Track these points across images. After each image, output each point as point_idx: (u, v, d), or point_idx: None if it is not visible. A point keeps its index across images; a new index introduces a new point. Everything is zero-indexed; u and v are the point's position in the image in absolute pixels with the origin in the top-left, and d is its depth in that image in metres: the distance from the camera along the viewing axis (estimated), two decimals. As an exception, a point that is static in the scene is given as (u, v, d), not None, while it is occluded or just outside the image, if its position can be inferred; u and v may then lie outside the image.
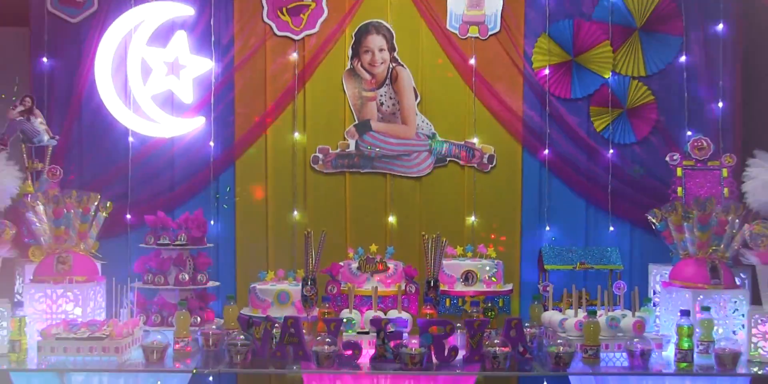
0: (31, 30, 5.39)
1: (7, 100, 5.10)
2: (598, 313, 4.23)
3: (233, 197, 5.43)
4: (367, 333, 4.31)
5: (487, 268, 4.77)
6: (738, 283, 4.57)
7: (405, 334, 4.18)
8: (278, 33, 5.42)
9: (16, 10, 5.44)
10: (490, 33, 5.40)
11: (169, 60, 5.33)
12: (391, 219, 5.42)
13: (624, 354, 4.13)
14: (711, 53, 5.36)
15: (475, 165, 5.43)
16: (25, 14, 5.40)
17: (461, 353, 4.13)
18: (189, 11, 5.36)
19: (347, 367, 4.07)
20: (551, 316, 4.52)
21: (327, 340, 4.06)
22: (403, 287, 4.61)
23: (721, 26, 5.34)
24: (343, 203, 5.44)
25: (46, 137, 5.09)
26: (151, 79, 5.33)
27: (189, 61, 5.34)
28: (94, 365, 4.04)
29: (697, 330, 4.15)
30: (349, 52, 5.43)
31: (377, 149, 5.42)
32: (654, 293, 4.95)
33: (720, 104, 5.33)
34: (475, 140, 5.42)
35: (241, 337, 4.13)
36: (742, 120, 5.38)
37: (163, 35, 5.35)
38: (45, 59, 5.35)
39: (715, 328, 4.23)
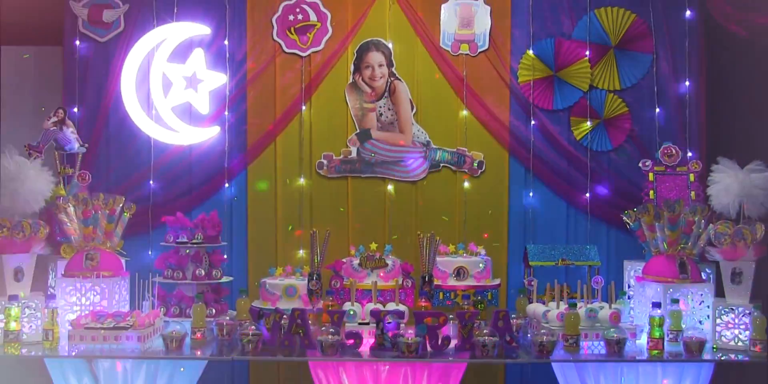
0: (64, 48, 5.39)
1: (45, 113, 5.08)
2: (578, 305, 4.22)
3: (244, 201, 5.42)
4: (367, 324, 4.31)
5: (479, 264, 4.76)
6: (704, 277, 4.57)
7: (402, 325, 4.17)
8: (287, 50, 5.40)
9: (51, 31, 5.47)
10: (479, 50, 5.38)
11: (188, 75, 5.32)
12: (390, 219, 5.39)
13: (602, 342, 4.12)
14: (678, 69, 5.33)
15: (466, 170, 5.42)
16: (59, 35, 5.41)
17: (453, 342, 4.12)
18: (206, 31, 5.35)
19: (349, 355, 4.08)
20: (535, 308, 4.52)
21: (331, 330, 4.07)
22: (400, 282, 4.61)
23: (686, 45, 5.32)
24: (346, 205, 5.42)
25: (76, 145, 5.07)
26: (171, 92, 5.32)
27: (206, 75, 5.33)
28: (119, 352, 4.04)
29: (668, 320, 4.15)
30: (351, 67, 5.41)
31: (376, 155, 5.41)
32: (628, 287, 4.92)
33: (687, 115, 5.31)
34: (466, 147, 5.41)
35: (253, 327, 4.12)
36: (707, 130, 5.36)
37: (182, 52, 5.33)
38: (76, 74, 5.33)
39: (683, 318, 4.22)
